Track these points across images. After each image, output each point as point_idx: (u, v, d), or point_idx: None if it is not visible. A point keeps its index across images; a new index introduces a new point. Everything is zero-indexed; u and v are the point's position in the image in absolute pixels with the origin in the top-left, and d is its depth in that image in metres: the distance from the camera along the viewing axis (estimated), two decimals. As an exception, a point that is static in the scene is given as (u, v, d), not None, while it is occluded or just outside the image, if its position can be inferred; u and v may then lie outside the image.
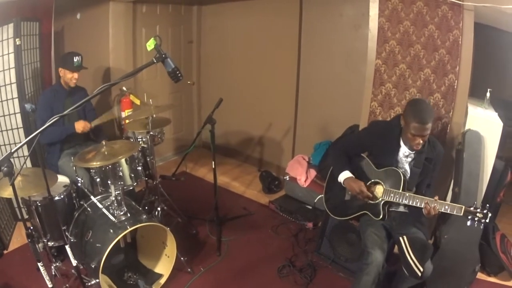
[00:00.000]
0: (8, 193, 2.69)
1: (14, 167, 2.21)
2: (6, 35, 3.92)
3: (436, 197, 2.62)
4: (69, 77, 3.88)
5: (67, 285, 3.30)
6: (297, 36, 4.73)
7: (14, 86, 4.02)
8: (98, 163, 3.14)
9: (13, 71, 3.99)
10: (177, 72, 2.24)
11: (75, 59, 3.86)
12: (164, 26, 5.69)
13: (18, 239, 4.13)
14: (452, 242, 3.01)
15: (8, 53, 3.95)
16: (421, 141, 2.71)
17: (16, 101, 4.06)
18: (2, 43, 3.93)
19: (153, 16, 5.53)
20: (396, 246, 2.90)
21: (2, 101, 4.05)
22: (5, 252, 3.95)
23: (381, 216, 2.86)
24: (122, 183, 3.39)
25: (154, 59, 2.21)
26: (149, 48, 2.22)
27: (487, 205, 2.50)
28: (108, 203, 3.34)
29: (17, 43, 3.91)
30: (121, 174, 3.38)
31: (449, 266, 3.00)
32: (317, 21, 4.54)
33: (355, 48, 4.16)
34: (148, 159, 3.90)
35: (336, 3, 4.27)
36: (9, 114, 4.08)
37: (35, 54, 4.43)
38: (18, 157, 4.06)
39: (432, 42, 3.11)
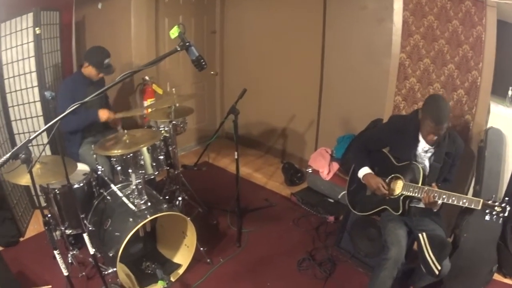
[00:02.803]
0: (25, 180, 2.76)
1: (33, 154, 2.23)
2: (25, 24, 4.01)
3: (433, 184, 2.72)
4: (94, 75, 3.96)
5: (83, 273, 3.41)
6: (321, 28, 4.74)
7: (34, 75, 4.11)
8: (119, 151, 3.19)
9: (33, 60, 4.08)
10: (201, 61, 2.25)
11: (106, 61, 3.93)
12: (187, 16, 5.73)
13: (35, 226, 4.24)
14: (471, 241, 3.04)
15: (28, 42, 4.04)
16: (435, 138, 2.77)
17: (36, 89, 4.15)
18: (21, 32, 4.03)
19: (176, 6, 5.58)
20: (415, 243, 2.95)
21: (22, 90, 4.16)
22: (21, 239, 4.04)
23: (400, 211, 2.92)
24: (143, 171, 3.43)
25: (177, 47, 2.21)
26: (172, 36, 2.22)
27: (506, 198, 2.53)
28: (129, 192, 3.40)
29: (37, 32, 4.00)
30: (142, 163, 3.43)
31: (467, 265, 3.04)
32: (340, 13, 4.56)
33: (378, 42, 4.17)
34: (170, 149, 3.96)
35: None
36: (29, 103, 4.19)
37: (56, 43, 4.51)
38: (38, 145, 4.18)
39: (456, 38, 3.13)
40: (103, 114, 3.96)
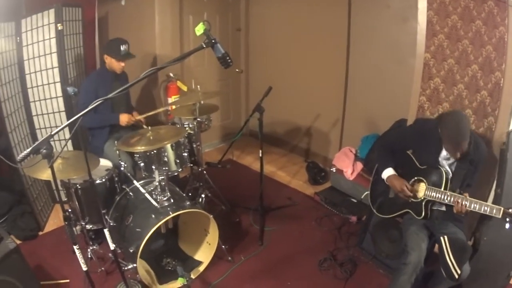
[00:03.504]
0: (46, 175, 2.78)
1: (54, 149, 2.22)
2: (47, 20, 4.08)
3: (466, 194, 2.67)
4: (116, 65, 3.97)
5: (102, 268, 3.45)
6: (346, 25, 4.76)
7: (56, 71, 4.18)
8: (143, 147, 3.23)
9: (55, 56, 4.16)
10: (227, 58, 2.25)
11: (122, 47, 3.92)
12: (212, 13, 5.80)
13: (55, 221, 4.31)
14: (490, 245, 3.02)
15: (50, 38, 4.12)
16: (458, 154, 2.75)
17: (58, 85, 4.22)
18: (43, 28, 4.10)
19: (200, 2, 5.65)
20: (436, 246, 2.96)
21: (43, 85, 4.23)
22: (40, 233, 4.12)
23: (422, 215, 2.93)
24: (166, 168, 3.48)
25: (203, 44, 2.22)
26: (198, 33, 2.23)
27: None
28: (151, 188, 3.42)
29: (59, 28, 4.07)
30: (166, 159, 3.48)
31: (485, 268, 3.02)
32: (365, 11, 4.57)
33: (403, 41, 4.17)
34: (194, 146, 3.99)
35: None
36: (51, 98, 4.26)
37: (78, 39, 4.59)
38: (59, 140, 4.25)
39: (479, 38, 3.11)
40: (124, 118, 4.03)
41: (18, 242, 3.86)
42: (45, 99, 4.28)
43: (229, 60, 2.27)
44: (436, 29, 3.37)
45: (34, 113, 4.33)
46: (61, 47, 4.14)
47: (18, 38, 4.11)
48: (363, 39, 4.70)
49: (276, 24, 5.81)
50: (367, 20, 4.58)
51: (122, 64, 4.01)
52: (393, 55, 4.38)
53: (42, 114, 4.34)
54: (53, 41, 4.13)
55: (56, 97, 4.26)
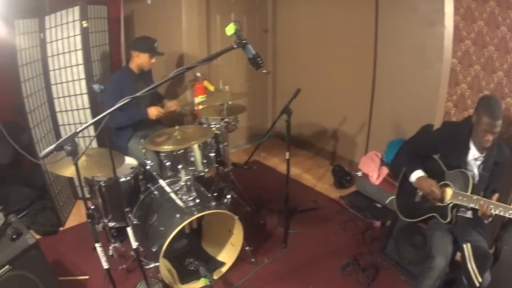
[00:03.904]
0: (70, 172, 2.82)
1: (79, 146, 2.25)
2: (71, 17, 4.14)
3: (495, 197, 2.71)
4: (146, 62, 4.04)
5: (123, 266, 3.50)
6: (374, 29, 4.76)
7: (81, 68, 4.24)
8: (170, 147, 3.27)
9: (80, 53, 4.21)
10: (258, 59, 2.25)
11: (155, 44, 4.01)
12: (239, 13, 5.86)
13: (76, 217, 4.40)
14: (510, 253, 3.02)
15: (75, 35, 4.17)
16: (491, 138, 2.78)
17: (83, 82, 4.28)
18: (67, 25, 4.16)
19: (228, 3, 5.72)
20: (458, 253, 2.97)
21: (68, 82, 4.29)
22: (60, 229, 4.19)
23: (448, 219, 2.96)
24: (193, 168, 3.49)
25: (233, 45, 2.22)
26: (228, 33, 2.25)
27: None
28: (177, 188, 3.45)
29: (84, 25, 4.12)
30: (192, 159, 3.49)
31: (506, 278, 3.00)
32: (393, 14, 4.57)
33: (430, 45, 4.15)
34: (221, 146, 4.02)
35: None
36: (75, 95, 4.32)
37: (104, 37, 4.67)
38: (84, 137, 4.31)
39: (504, 44, 3.11)
40: (153, 111, 4.06)
41: (38, 237, 3.92)
42: (69, 96, 4.34)
43: (260, 61, 2.27)
44: (462, 34, 3.38)
45: (58, 109, 4.40)
46: (86, 44, 4.20)
47: (42, 34, 4.18)
48: (390, 42, 4.70)
49: (303, 26, 5.84)
50: (394, 22, 4.58)
51: (153, 60, 4.07)
52: (420, 59, 4.37)
53: (66, 111, 4.40)
54: (78, 38, 4.18)
55: (81, 94, 4.32)
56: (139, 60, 4.06)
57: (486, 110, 2.76)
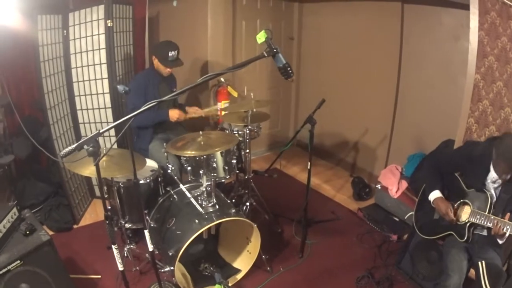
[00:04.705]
0: (89, 171, 2.86)
1: (101, 148, 2.26)
2: (96, 16, 4.20)
3: (507, 216, 2.74)
4: (162, 69, 4.08)
5: (137, 267, 3.54)
6: (398, 42, 4.80)
7: (104, 67, 4.30)
8: (193, 152, 3.32)
9: (103, 52, 4.27)
10: (288, 69, 2.24)
11: (170, 53, 3.98)
12: (265, 20, 5.94)
13: (91, 215, 4.47)
14: None
15: (99, 34, 4.24)
16: (509, 177, 2.82)
17: (106, 81, 4.34)
18: (91, 23, 4.22)
19: (254, 9, 5.80)
20: (471, 270, 3.02)
21: (90, 80, 4.36)
22: (75, 226, 4.24)
23: (465, 238, 2.99)
24: (215, 174, 3.54)
25: (264, 53, 2.21)
26: (259, 41, 2.23)
27: None
28: (198, 193, 3.44)
29: (109, 24, 4.18)
30: (214, 165, 3.54)
31: None
32: (418, 27, 4.61)
33: (454, 60, 4.19)
34: (243, 153, 4.06)
35: (436, 11, 4.32)
36: (97, 94, 4.40)
37: (128, 37, 4.72)
38: (103, 136, 4.37)
39: (527, 62, 3.17)
40: (174, 114, 4.09)
41: (51, 233, 3.99)
42: (91, 94, 4.41)
43: (290, 71, 2.26)
44: (486, 50, 3.40)
45: (78, 107, 4.46)
46: (110, 44, 4.27)
47: (65, 31, 4.24)
48: (414, 55, 4.73)
49: (328, 35, 5.89)
50: (419, 35, 4.62)
51: (169, 69, 4.11)
52: (443, 73, 4.40)
53: (87, 109, 4.47)
54: (102, 37, 4.25)
55: (103, 93, 4.39)
56: (156, 64, 4.12)
57: (505, 158, 2.78)
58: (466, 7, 3.53)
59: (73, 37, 4.28)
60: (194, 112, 4.32)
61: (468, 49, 3.56)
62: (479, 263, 2.86)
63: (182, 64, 4.17)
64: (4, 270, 2.57)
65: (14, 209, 2.91)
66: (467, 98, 3.64)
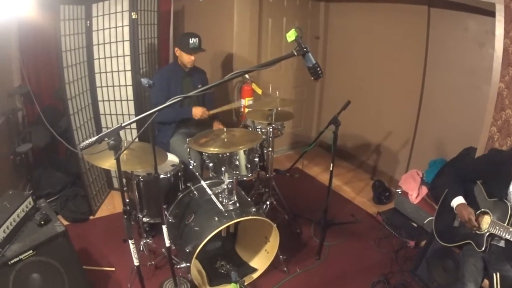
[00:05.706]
0: (108, 164, 2.87)
1: (123, 141, 2.28)
2: (120, 7, 4.23)
3: None
4: (185, 59, 4.12)
5: (152, 262, 3.58)
6: (424, 46, 4.80)
7: (127, 59, 4.33)
8: (217, 149, 3.28)
9: (127, 44, 4.29)
10: (318, 69, 2.20)
11: (191, 40, 4.03)
12: (291, 18, 5.99)
13: (108, 207, 4.53)
14: None
15: (123, 26, 4.25)
16: None
17: (129, 73, 4.36)
18: (116, 15, 4.24)
19: (280, 7, 5.86)
20: (484, 280, 3.04)
21: (113, 72, 4.39)
22: (91, 218, 4.31)
23: (483, 248, 3.01)
24: (237, 172, 3.54)
25: (294, 52, 2.18)
26: (289, 39, 2.20)
27: None
28: (219, 190, 3.47)
29: (133, 17, 4.20)
30: (237, 163, 3.53)
31: None
32: (443, 32, 4.61)
33: (479, 67, 4.18)
34: (265, 151, 4.11)
35: (462, 17, 4.32)
36: (119, 86, 4.43)
37: (153, 30, 4.75)
38: (125, 128, 4.31)
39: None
40: (197, 112, 4.15)
41: (66, 223, 4.09)
42: (113, 86, 4.46)
43: (320, 72, 2.22)
44: (511, 58, 3.41)
45: (100, 98, 4.52)
46: (134, 36, 4.30)
47: (88, 22, 4.27)
48: (439, 60, 4.73)
49: (354, 36, 5.91)
50: (445, 40, 4.62)
51: (192, 57, 4.13)
52: (468, 80, 4.39)
53: (109, 101, 4.52)
54: (126, 29, 4.27)
55: (125, 85, 4.43)
56: (180, 56, 4.17)
57: None
58: (492, 13, 3.55)
59: (96, 28, 4.33)
60: (216, 110, 4.34)
61: (493, 56, 3.57)
62: (494, 274, 2.89)
63: (204, 51, 4.19)
64: (15, 260, 2.62)
65: (29, 199, 2.97)
66: (490, 106, 3.66)
